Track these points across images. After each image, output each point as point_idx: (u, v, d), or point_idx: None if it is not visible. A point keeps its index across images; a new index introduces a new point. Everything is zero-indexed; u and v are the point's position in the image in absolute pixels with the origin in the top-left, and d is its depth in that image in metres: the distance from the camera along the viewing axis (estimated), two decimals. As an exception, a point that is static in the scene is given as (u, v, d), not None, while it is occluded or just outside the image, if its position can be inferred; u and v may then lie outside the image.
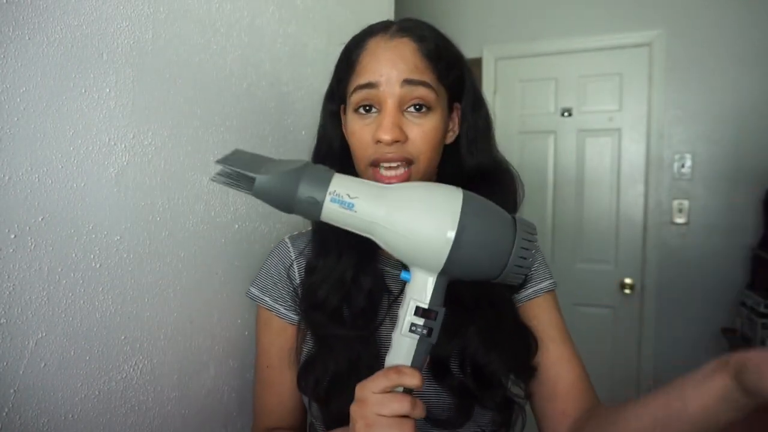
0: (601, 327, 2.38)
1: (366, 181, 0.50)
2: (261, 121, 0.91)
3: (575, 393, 0.67)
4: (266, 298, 0.72)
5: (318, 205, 0.46)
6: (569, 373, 0.69)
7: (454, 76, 0.64)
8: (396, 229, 0.47)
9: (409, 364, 0.49)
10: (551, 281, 0.73)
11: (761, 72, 2.10)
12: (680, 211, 2.24)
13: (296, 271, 0.72)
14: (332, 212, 0.47)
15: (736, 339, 1.99)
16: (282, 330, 0.71)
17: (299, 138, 1.03)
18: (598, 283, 2.39)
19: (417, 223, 0.46)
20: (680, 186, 2.23)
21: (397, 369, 0.48)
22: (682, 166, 2.23)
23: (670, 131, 2.24)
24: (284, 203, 0.47)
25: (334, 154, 0.69)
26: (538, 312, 0.71)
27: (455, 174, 0.67)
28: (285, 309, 0.71)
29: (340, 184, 0.47)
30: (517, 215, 0.51)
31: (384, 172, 0.61)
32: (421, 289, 0.49)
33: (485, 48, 2.51)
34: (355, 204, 0.46)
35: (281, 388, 0.71)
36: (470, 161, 0.67)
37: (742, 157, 2.14)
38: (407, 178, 0.61)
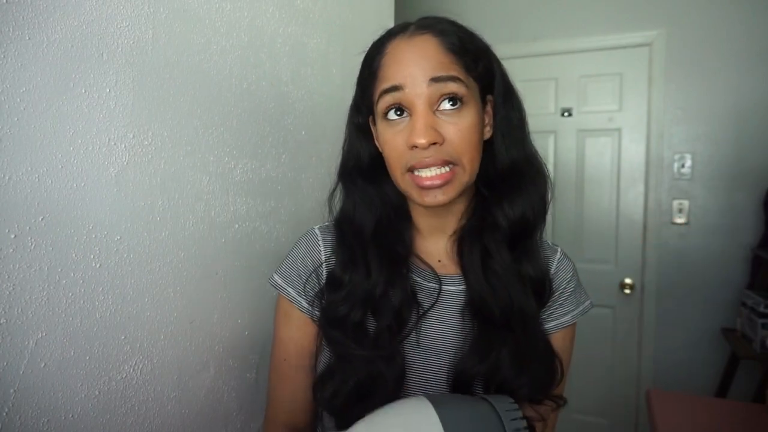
0: (601, 327, 2.38)
1: None
2: (261, 121, 0.91)
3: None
4: (289, 289, 0.68)
5: None
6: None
7: (482, 67, 0.61)
8: None
9: None
10: (574, 313, 0.70)
11: (761, 72, 2.10)
12: (680, 211, 2.24)
13: (325, 272, 0.69)
14: None
15: (736, 338, 2.00)
16: (302, 324, 0.68)
17: (299, 138, 1.03)
18: (598, 283, 2.39)
19: None
20: (680, 186, 2.23)
21: None
22: (682, 166, 2.23)
23: (670, 131, 2.24)
24: None
25: (363, 168, 0.67)
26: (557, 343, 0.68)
27: (490, 170, 0.64)
28: (307, 303, 0.67)
29: None
30: (490, 398, 0.47)
31: (422, 173, 0.57)
32: None
33: (485, 48, 2.51)
34: None
35: (294, 385, 0.69)
36: (504, 157, 0.64)
37: (742, 157, 2.14)
38: (451, 178, 0.58)
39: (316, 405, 0.70)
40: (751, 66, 2.11)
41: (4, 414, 0.50)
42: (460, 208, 0.68)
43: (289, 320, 0.69)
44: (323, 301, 0.66)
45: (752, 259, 2.10)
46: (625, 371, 2.34)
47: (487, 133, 0.64)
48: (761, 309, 1.84)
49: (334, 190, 0.71)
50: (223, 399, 0.83)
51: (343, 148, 0.70)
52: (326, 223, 0.72)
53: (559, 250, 0.72)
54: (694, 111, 2.20)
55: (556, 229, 2.44)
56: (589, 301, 0.72)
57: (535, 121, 2.76)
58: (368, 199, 0.67)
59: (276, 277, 0.70)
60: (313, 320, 0.67)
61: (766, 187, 2.06)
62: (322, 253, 0.69)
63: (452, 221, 0.68)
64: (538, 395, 0.63)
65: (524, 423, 0.44)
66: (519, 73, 2.47)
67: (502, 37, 2.49)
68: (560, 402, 0.65)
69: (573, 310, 0.70)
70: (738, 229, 2.15)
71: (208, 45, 0.77)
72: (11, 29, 0.49)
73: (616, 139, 2.34)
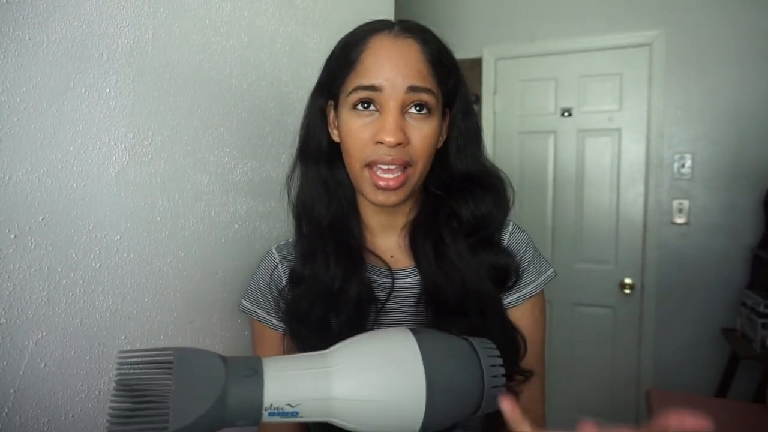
0: (601, 327, 2.39)
1: (304, 360, 0.42)
2: (261, 121, 0.91)
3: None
4: (258, 311, 0.72)
5: (255, 421, 0.38)
6: (527, 390, 0.67)
7: (452, 84, 0.64)
8: (350, 416, 0.40)
9: None
10: (536, 284, 0.70)
11: (761, 72, 2.10)
12: (680, 211, 2.24)
13: (281, 275, 0.72)
14: (273, 421, 0.39)
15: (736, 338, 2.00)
16: (276, 341, 0.71)
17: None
18: (598, 283, 2.39)
19: (378, 390, 0.40)
20: (680, 186, 2.23)
21: None
22: (682, 166, 2.23)
23: (670, 131, 2.24)
24: (214, 430, 0.37)
25: (323, 153, 0.68)
26: (520, 317, 0.68)
27: (444, 179, 0.67)
28: (277, 321, 0.70)
29: (276, 393, 0.38)
30: (470, 338, 0.46)
31: (381, 174, 0.60)
32: None
33: (485, 48, 2.51)
34: (299, 412, 0.39)
35: None
36: (459, 167, 0.67)
37: (742, 157, 2.14)
38: (404, 181, 0.60)
39: None
40: (751, 66, 2.11)
41: (4, 414, 0.50)
42: (409, 204, 0.70)
43: (263, 340, 0.72)
44: (286, 300, 0.68)
45: (752, 259, 2.10)
46: (625, 371, 2.34)
47: (440, 142, 0.67)
48: (761, 309, 1.84)
49: (292, 172, 0.72)
50: (223, 399, 0.83)
51: (302, 129, 0.70)
52: (282, 243, 0.76)
53: (510, 223, 0.73)
54: (694, 111, 2.20)
55: (556, 229, 2.44)
56: (551, 270, 0.72)
57: (535, 121, 2.77)
58: (326, 185, 0.69)
59: (244, 302, 0.74)
60: (285, 334, 0.70)
61: (766, 187, 2.07)
62: (281, 269, 0.72)
63: (401, 218, 0.70)
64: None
65: (500, 362, 0.44)
66: (518, 73, 2.49)
67: (502, 37, 2.49)
68: (527, 375, 0.66)
69: (534, 281, 0.70)
70: (738, 229, 2.15)
71: (208, 45, 0.77)
72: (11, 29, 0.49)
73: (616, 139, 2.34)
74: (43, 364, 0.54)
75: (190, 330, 0.75)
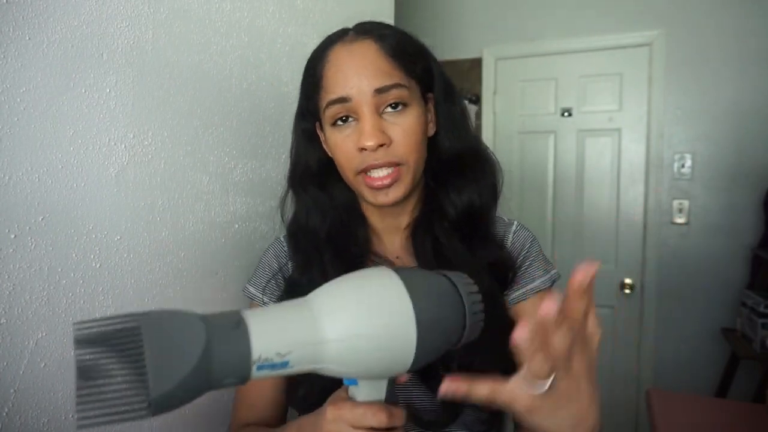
0: (601, 327, 2.38)
1: (286, 307, 0.40)
2: (261, 121, 0.91)
3: None
4: (264, 297, 0.70)
5: (245, 379, 0.36)
6: None
7: (421, 68, 0.64)
8: (344, 358, 0.39)
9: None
10: (543, 279, 0.69)
11: (761, 72, 2.10)
12: (680, 211, 2.24)
13: (290, 268, 0.71)
14: (262, 376, 0.36)
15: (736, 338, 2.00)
16: None
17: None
18: (598, 283, 2.36)
19: (370, 326, 0.39)
20: (680, 186, 2.23)
21: (389, 412, 0.44)
22: (682, 166, 2.23)
23: (670, 131, 2.24)
24: (196, 396, 0.35)
25: (312, 173, 0.69)
26: (527, 312, 0.68)
27: (435, 164, 0.67)
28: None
29: (263, 345, 0.35)
30: (447, 273, 0.46)
31: (374, 175, 0.60)
32: (374, 394, 0.45)
33: (485, 48, 2.51)
34: (289, 361, 0.36)
35: (261, 384, 0.68)
36: (449, 150, 0.66)
37: (742, 157, 2.14)
38: (398, 176, 0.60)
39: (289, 405, 0.69)
40: (751, 66, 2.11)
41: (4, 414, 0.50)
42: (411, 203, 0.69)
43: None
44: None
45: (752, 259, 2.10)
46: (625, 371, 2.34)
47: (431, 129, 0.66)
48: (761, 309, 1.84)
49: (285, 196, 0.72)
50: (223, 399, 0.83)
51: (291, 154, 0.71)
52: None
53: (515, 222, 0.73)
54: (694, 111, 2.20)
55: (556, 229, 2.44)
56: (555, 270, 0.71)
57: (535, 121, 2.77)
58: (319, 205, 0.69)
59: (250, 287, 0.72)
60: None
61: (766, 187, 2.06)
62: (290, 255, 0.71)
63: (405, 218, 0.70)
64: (507, 367, 0.63)
65: (478, 291, 0.44)
66: (519, 73, 2.49)
67: (502, 37, 2.49)
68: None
69: (542, 276, 0.69)
70: (738, 229, 2.15)
71: (208, 45, 0.77)
72: (11, 29, 0.49)
73: (616, 139, 2.34)
74: (43, 364, 0.54)
75: (190, 330, 0.75)
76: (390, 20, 1.34)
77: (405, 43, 0.62)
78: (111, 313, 0.62)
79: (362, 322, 0.39)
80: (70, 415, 0.57)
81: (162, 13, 0.68)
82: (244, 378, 0.35)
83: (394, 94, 0.59)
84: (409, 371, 0.42)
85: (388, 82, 0.59)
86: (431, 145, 0.66)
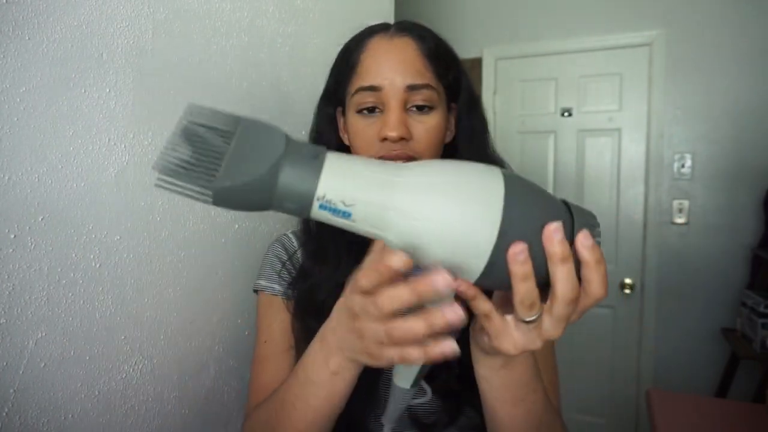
0: (601, 327, 2.38)
1: (373, 164, 0.38)
2: (261, 121, 0.91)
3: None
4: (275, 286, 0.69)
5: (304, 212, 0.36)
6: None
7: (452, 77, 0.65)
8: (409, 231, 0.36)
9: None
10: None
11: (761, 72, 2.10)
12: (680, 211, 2.24)
13: (299, 259, 0.70)
14: (322, 218, 0.37)
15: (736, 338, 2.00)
16: (286, 306, 0.68)
17: (299, 138, 1.03)
18: (598, 283, 2.38)
19: (444, 215, 0.35)
20: (680, 186, 2.23)
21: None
22: (682, 166, 2.23)
23: (670, 131, 2.24)
24: (257, 207, 0.36)
25: None
26: None
27: None
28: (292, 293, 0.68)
29: (333, 183, 0.35)
30: (571, 201, 0.41)
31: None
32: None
33: (485, 48, 2.51)
34: (352, 213, 0.36)
35: (277, 364, 0.67)
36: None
37: (742, 157, 2.14)
38: None
39: None
40: (751, 66, 2.11)
41: (4, 414, 0.50)
42: None
43: (272, 307, 0.69)
44: (297, 291, 0.67)
45: (752, 259, 2.10)
46: (625, 371, 2.34)
47: (448, 137, 0.67)
48: (761, 309, 1.84)
49: None
50: (223, 399, 0.83)
51: (311, 136, 0.71)
52: (295, 229, 0.75)
53: None
54: (694, 111, 2.20)
55: (556, 229, 2.44)
56: None
57: (535, 121, 2.77)
58: None
59: (261, 281, 0.71)
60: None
61: (766, 187, 2.07)
62: (297, 246, 0.71)
63: None
64: None
65: (598, 239, 0.39)
66: (519, 73, 2.49)
67: (502, 37, 2.49)
68: None
69: None
70: (738, 229, 2.15)
71: (208, 45, 0.77)
72: (11, 29, 0.49)
73: (616, 139, 2.34)
74: (43, 364, 0.54)
75: (190, 330, 0.75)
76: (390, 21, 1.33)
77: (442, 49, 0.64)
78: (111, 314, 0.62)
79: (433, 205, 0.35)
80: (70, 415, 0.57)
81: (162, 13, 0.68)
82: (304, 207, 0.36)
83: (423, 94, 0.60)
84: (475, 284, 0.37)
85: (420, 81, 0.60)
86: (448, 154, 0.67)
